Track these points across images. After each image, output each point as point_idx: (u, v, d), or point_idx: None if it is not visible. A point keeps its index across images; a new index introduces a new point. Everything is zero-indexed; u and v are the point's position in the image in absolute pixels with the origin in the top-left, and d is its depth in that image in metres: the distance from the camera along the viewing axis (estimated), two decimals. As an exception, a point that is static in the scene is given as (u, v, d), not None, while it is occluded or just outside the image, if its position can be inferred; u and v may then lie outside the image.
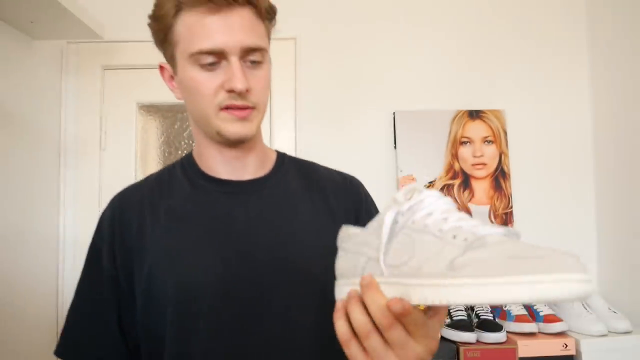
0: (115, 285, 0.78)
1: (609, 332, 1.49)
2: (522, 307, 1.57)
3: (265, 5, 0.76)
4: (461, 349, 1.44)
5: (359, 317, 0.51)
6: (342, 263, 0.59)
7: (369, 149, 1.81)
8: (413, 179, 1.74)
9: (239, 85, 0.71)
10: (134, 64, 1.83)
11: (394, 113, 1.79)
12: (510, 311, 1.55)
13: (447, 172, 1.76)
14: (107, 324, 0.78)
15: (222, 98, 0.73)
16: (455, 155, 1.77)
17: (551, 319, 1.50)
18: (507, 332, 1.49)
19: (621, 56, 1.67)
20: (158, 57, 1.90)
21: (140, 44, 1.82)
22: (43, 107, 1.75)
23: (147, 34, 1.85)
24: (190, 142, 1.86)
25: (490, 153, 1.77)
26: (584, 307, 1.56)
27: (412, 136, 1.78)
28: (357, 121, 1.81)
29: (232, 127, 0.75)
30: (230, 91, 0.72)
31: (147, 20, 0.81)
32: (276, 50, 1.79)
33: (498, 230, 0.50)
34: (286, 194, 0.83)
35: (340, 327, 0.52)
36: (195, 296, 0.73)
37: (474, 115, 1.79)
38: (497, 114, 1.79)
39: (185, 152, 1.84)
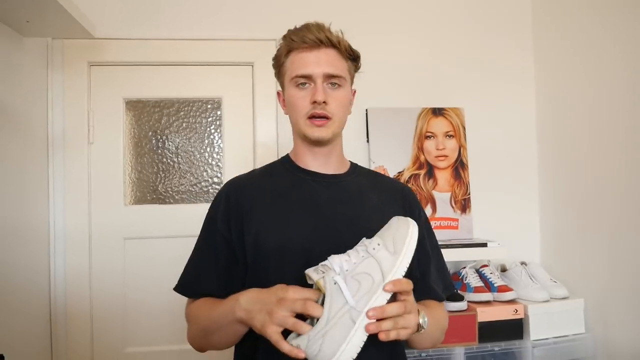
0: (227, 243, 1.03)
1: (551, 298, 1.76)
2: (479, 279, 1.81)
3: (345, 47, 1.07)
4: (430, 317, 1.66)
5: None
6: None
7: (344, 142, 1.96)
8: (384, 170, 1.94)
9: (319, 97, 1.01)
10: (120, 61, 1.90)
11: (366, 110, 1.98)
12: (470, 284, 1.79)
13: (414, 163, 1.97)
14: (217, 269, 1.04)
15: (309, 109, 1.03)
16: (420, 148, 1.98)
17: (503, 289, 1.75)
18: (467, 301, 1.73)
19: (560, 59, 1.93)
20: (144, 55, 1.99)
21: (127, 41, 1.90)
22: (30, 102, 1.77)
23: (134, 31, 1.94)
24: (177, 136, 1.96)
25: (451, 146, 1.99)
26: (530, 279, 1.82)
27: (383, 131, 1.96)
28: (333, 117, 1.97)
29: (312, 132, 1.04)
30: (313, 102, 1.02)
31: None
32: (258, 51, 1.93)
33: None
34: (358, 187, 1.11)
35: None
36: (291, 248, 0.99)
37: (437, 112, 2.00)
38: (457, 111, 2.01)
39: (171, 145, 1.95)
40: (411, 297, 0.87)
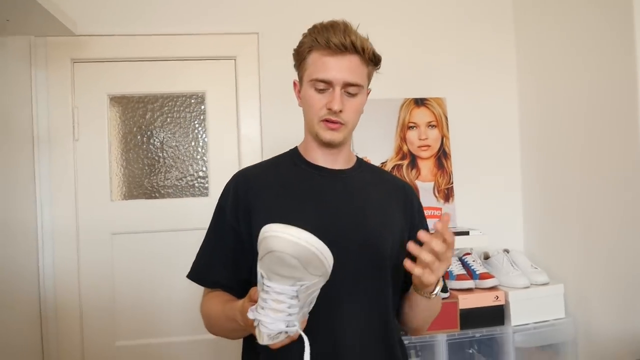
0: (235, 233, 1.06)
1: (531, 284, 1.78)
2: (462, 267, 1.83)
3: (369, 54, 1.06)
4: (412, 305, 1.68)
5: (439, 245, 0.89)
6: None
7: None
8: (367, 161, 1.95)
9: (336, 106, 1.02)
10: (103, 57, 1.91)
11: (349, 101, 1.99)
12: (452, 271, 1.81)
13: (397, 153, 1.99)
14: (225, 258, 1.07)
15: (324, 113, 1.04)
16: (403, 139, 2.00)
17: (485, 276, 1.78)
18: (450, 289, 1.76)
19: (542, 48, 1.95)
20: (127, 51, 2.00)
21: (110, 37, 1.91)
22: (15, 100, 1.78)
23: (117, 28, 1.95)
24: (162, 131, 1.98)
25: (433, 136, 2.01)
26: (512, 265, 1.84)
27: (366, 122, 1.94)
28: (316, 109, 1.99)
29: (325, 134, 1.06)
30: (329, 109, 1.03)
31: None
32: (241, 45, 1.95)
33: None
34: (362, 182, 1.14)
35: (426, 254, 0.89)
36: None
37: (420, 102, 2.02)
38: (439, 101, 2.03)
39: (156, 140, 1.96)
40: (449, 252, 0.92)
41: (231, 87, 1.98)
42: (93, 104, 1.92)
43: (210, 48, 1.96)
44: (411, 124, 2.00)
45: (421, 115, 2.01)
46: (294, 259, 0.75)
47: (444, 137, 2.01)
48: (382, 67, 1.99)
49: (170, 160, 1.98)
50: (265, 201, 1.05)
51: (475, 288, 1.77)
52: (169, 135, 1.98)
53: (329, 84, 1.03)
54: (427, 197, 1.97)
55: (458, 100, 2.05)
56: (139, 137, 1.97)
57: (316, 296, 0.85)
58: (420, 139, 2.00)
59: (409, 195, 1.19)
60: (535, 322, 1.72)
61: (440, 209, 1.98)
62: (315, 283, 0.80)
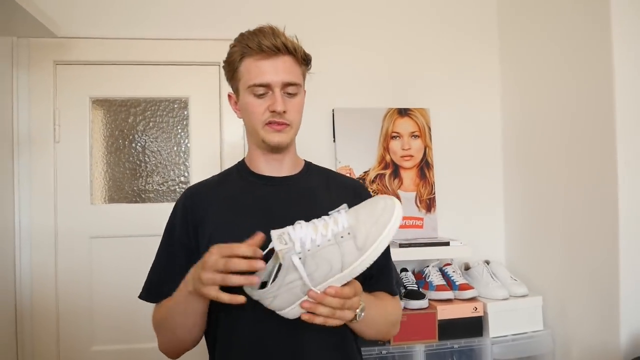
0: (186, 249, 1.05)
1: (510, 296, 1.79)
2: (442, 278, 1.83)
3: (301, 54, 1.06)
4: (391, 315, 1.68)
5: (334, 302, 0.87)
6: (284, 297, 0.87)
7: (311, 142, 1.98)
8: (350, 170, 1.96)
9: (279, 107, 1.01)
10: (86, 60, 1.90)
11: (333, 110, 1.99)
12: (432, 282, 1.81)
13: (380, 163, 1.99)
14: (177, 275, 1.03)
15: (267, 116, 1.03)
16: (386, 148, 2.00)
17: (464, 287, 1.78)
18: (429, 299, 1.76)
19: (526, 60, 1.96)
20: (111, 54, 1.99)
21: (93, 40, 1.90)
22: (-5, 101, 1.78)
23: (100, 31, 1.94)
24: (144, 135, 1.97)
25: (416, 146, 2.02)
26: (491, 277, 1.85)
27: (349, 131, 1.98)
28: (300, 117, 1.99)
29: (272, 137, 1.05)
30: (273, 111, 1.02)
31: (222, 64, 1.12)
32: (225, 51, 1.94)
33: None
34: (310, 188, 1.12)
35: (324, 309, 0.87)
36: None
37: (403, 112, 2.02)
38: (423, 112, 2.04)
39: (138, 145, 1.95)
40: (355, 298, 0.89)
41: (215, 93, 1.97)
42: (75, 106, 1.90)
43: (194, 53, 1.95)
44: (394, 134, 2.01)
45: (405, 126, 2.01)
46: (381, 210, 0.85)
47: (426, 148, 2.02)
48: (367, 76, 2.03)
49: (152, 165, 1.97)
50: (212, 216, 1.05)
51: (455, 299, 1.77)
52: (152, 140, 1.97)
53: (267, 87, 1.02)
54: (409, 207, 1.98)
55: (441, 111, 2.06)
56: (120, 140, 1.95)
57: (298, 293, 0.86)
58: (403, 149, 2.00)
59: (358, 193, 1.15)
60: (513, 334, 1.73)
61: (422, 219, 1.98)
62: (341, 259, 0.84)
